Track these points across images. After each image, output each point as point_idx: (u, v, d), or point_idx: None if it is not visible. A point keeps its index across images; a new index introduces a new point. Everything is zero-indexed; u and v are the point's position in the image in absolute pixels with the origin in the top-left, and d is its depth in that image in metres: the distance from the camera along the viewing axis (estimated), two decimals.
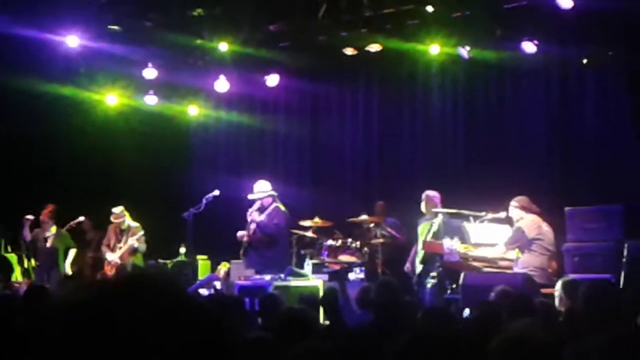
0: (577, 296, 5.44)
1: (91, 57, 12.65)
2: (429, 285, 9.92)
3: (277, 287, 9.58)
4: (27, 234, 12.13)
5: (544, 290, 8.43)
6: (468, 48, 11.72)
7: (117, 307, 1.63)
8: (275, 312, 6.72)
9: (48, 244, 12.11)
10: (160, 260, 12.29)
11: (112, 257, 11.85)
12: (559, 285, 6.98)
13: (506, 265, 9.40)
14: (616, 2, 10.20)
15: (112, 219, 11.99)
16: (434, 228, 10.10)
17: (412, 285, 10.61)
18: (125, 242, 11.82)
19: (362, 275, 10.89)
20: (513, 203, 9.62)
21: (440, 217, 10.16)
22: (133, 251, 11.88)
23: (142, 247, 11.94)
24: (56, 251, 12.21)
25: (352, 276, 10.96)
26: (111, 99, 13.95)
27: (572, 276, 8.38)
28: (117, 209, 11.97)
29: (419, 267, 10.47)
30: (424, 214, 10.80)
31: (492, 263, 9.46)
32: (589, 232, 9.47)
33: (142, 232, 11.89)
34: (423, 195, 10.73)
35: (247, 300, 8.91)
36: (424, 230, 10.55)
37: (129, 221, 11.99)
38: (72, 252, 12.35)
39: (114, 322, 1.62)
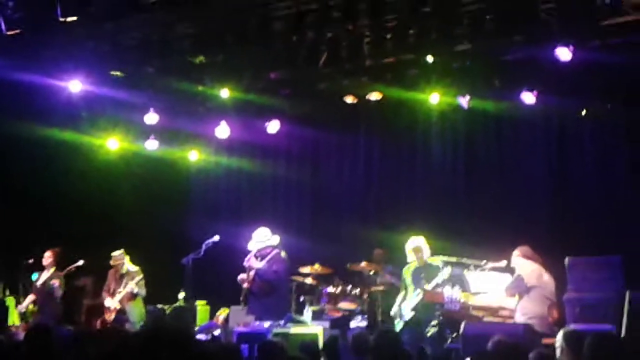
0: (579, 347, 5.43)
1: (93, 101, 12.73)
2: (428, 334, 9.85)
3: (276, 334, 9.52)
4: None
5: (545, 340, 8.41)
6: (468, 97, 11.81)
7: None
8: (274, 358, 6.69)
9: (39, 284, 12.05)
10: (159, 306, 12.22)
11: (111, 303, 11.80)
12: (560, 335, 6.95)
13: (507, 314, 9.39)
14: (614, 56, 10.31)
15: (111, 262, 11.98)
16: (438, 279, 9.99)
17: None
18: (125, 286, 11.79)
19: (364, 323, 10.83)
20: (515, 252, 9.66)
21: (448, 268, 10.06)
22: (133, 296, 11.83)
23: (142, 291, 11.91)
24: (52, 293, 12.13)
25: (353, 324, 10.91)
26: (112, 143, 14.01)
27: (573, 326, 8.36)
28: (117, 252, 11.97)
29: (409, 314, 10.33)
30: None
31: (493, 312, 9.45)
32: (590, 282, 9.48)
33: (141, 276, 11.86)
34: (410, 245, 10.63)
35: (245, 347, 8.88)
36: (409, 275, 10.46)
37: (128, 265, 11.98)
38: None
39: None
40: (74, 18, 10.76)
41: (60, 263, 12.16)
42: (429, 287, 10.08)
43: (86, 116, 13.15)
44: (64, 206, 13.58)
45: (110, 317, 11.72)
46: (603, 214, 11.56)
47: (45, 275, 12.10)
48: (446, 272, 9.97)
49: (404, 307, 10.41)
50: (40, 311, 11.95)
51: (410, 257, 10.55)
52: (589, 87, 11.22)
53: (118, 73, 12.34)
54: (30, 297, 12.11)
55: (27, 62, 11.52)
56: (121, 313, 11.73)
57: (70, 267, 12.19)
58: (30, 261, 12.30)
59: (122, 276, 11.93)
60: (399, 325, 10.42)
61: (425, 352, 9.32)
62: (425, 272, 10.26)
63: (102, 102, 12.81)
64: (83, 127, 13.37)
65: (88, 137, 13.62)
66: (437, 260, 10.31)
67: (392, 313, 10.64)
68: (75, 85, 12.16)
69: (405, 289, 10.57)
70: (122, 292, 11.77)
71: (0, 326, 11.84)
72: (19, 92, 11.84)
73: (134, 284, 11.75)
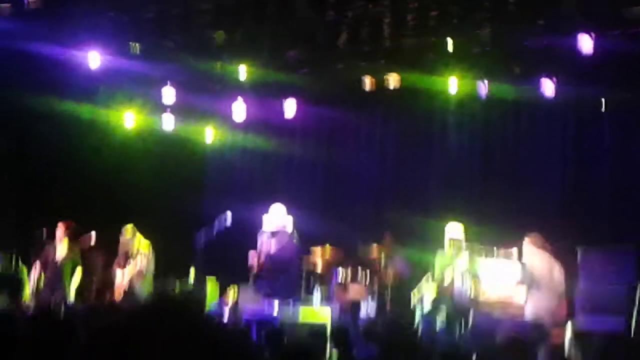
0: (588, 347, 5.43)
1: (111, 75, 12.71)
2: (438, 326, 9.83)
3: (285, 317, 9.55)
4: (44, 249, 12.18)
5: (554, 331, 8.39)
6: (486, 83, 11.71)
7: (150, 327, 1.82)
8: (281, 345, 6.72)
9: (57, 259, 12.07)
10: (170, 283, 12.25)
11: (121, 277, 11.84)
12: (569, 330, 6.95)
13: (517, 308, 9.34)
14: (635, 45, 10.20)
15: (120, 238, 11.98)
16: (461, 268, 9.95)
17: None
18: (134, 261, 11.81)
19: (373, 309, 10.84)
20: (526, 240, 9.61)
21: (468, 257, 10.01)
22: (141, 273, 11.85)
23: (151, 267, 11.89)
24: (63, 267, 12.17)
25: (363, 309, 10.91)
26: (129, 117, 14.01)
27: (582, 318, 8.35)
28: (127, 228, 11.96)
29: (428, 306, 10.32)
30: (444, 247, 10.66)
31: (502, 306, 9.41)
32: (602, 275, 9.43)
33: (149, 252, 11.84)
34: (448, 233, 10.54)
35: (254, 328, 8.91)
36: (443, 265, 10.41)
37: (141, 240, 11.97)
38: (78, 271, 12.24)
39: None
40: None
41: (72, 236, 12.18)
42: (446, 277, 10.06)
43: (103, 90, 13.16)
44: (79, 180, 13.61)
45: (119, 293, 11.76)
46: (618, 204, 11.48)
47: (60, 249, 12.14)
48: (463, 263, 9.95)
49: (426, 298, 10.37)
50: (48, 285, 11.99)
51: (447, 245, 10.47)
52: (609, 76, 11.11)
53: (137, 45, 12.30)
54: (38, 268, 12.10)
55: (47, 32, 11.52)
56: (130, 290, 11.74)
57: (83, 238, 12.20)
58: (43, 232, 12.33)
59: (131, 252, 11.92)
60: (418, 312, 10.39)
61: (436, 342, 9.35)
62: (454, 263, 10.22)
63: (120, 76, 12.78)
64: (100, 100, 13.38)
65: (105, 111, 13.63)
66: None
67: (414, 300, 10.59)
68: (94, 58, 12.15)
69: (434, 277, 10.46)
70: (130, 267, 11.78)
71: (13, 298, 11.89)
72: (37, 64, 11.85)
73: (142, 259, 11.74)
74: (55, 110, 12.82)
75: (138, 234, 12.00)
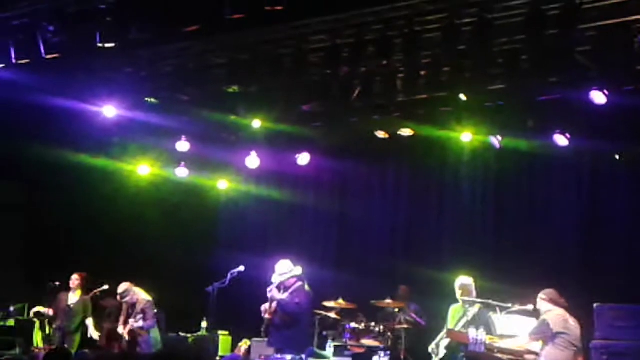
0: None
1: (126, 127, 12.84)
2: None
3: None
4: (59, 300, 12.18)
5: None
6: (500, 137, 11.74)
7: None
8: None
9: (69, 309, 12.05)
10: (182, 334, 12.17)
11: (124, 330, 11.75)
12: None
13: (532, 359, 9.24)
14: None
15: (118, 298, 11.83)
16: (469, 317, 9.92)
17: None
18: (135, 316, 11.63)
19: (386, 359, 10.74)
20: (541, 295, 9.51)
21: (476, 306, 9.98)
22: (143, 325, 11.71)
23: (147, 323, 11.63)
24: (75, 316, 12.15)
25: (376, 359, 10.82)
26: (143, 169, 14.10)
27: None
28: (121, 288, 11.75)
29: (442, 352, 10.26)
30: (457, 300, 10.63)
31: (517, 356, 9.30)
32: (618, 331, 9.32)
33: (142, 308, 11.64)
34: (458, 283, 10.54)
35: None
36: (455, 315, 10.36)
37: (139, 295, 11.79)
38: (91, 321, 12.21)
39: None
40: (112, 44, 10.87)
41: (86, 287, 12.19)
42: (458, 326, 9.98)
43: (118, 142, 13.28)
44: (93, 230, 13.67)
45: (126, 343, 11.64)
46: (635, 261, 11.37)
47: (72, 297, 12.12)
48: (473, 311, 9.88)
49: (441, 345, 10.32)
50: (60, 333, 11.95)
51: (458, 295, 10.47)
52: (623, 131, 11.11)
53: (153, 99, 12.44)
54: (50, 311, 12.07)
55: (64, 86, 11.66)
56: (134, 342, 11.58)
57: (96, 290, 12.21)
58: (57, 284, 12.35)
59: (133, 305, 11.78)
60: None
61: None
62: (465, 312, 10.18)
63: (135, 128, 12.92)
64: (115, 152, 13.49)
65: (119, 162, 13.74)
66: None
67: (429, 349, 10.52)
68: (109, 111, 12.27)
69: (448, 327, 10.42)
70: (131, 323, 11.64)
71: (25, 347, 11.89)
72: (53, 117, 11.99)
73: (138, 319, 11.55)
74: (70, 162, 12.93)
75: (135, 289, 11.85)
